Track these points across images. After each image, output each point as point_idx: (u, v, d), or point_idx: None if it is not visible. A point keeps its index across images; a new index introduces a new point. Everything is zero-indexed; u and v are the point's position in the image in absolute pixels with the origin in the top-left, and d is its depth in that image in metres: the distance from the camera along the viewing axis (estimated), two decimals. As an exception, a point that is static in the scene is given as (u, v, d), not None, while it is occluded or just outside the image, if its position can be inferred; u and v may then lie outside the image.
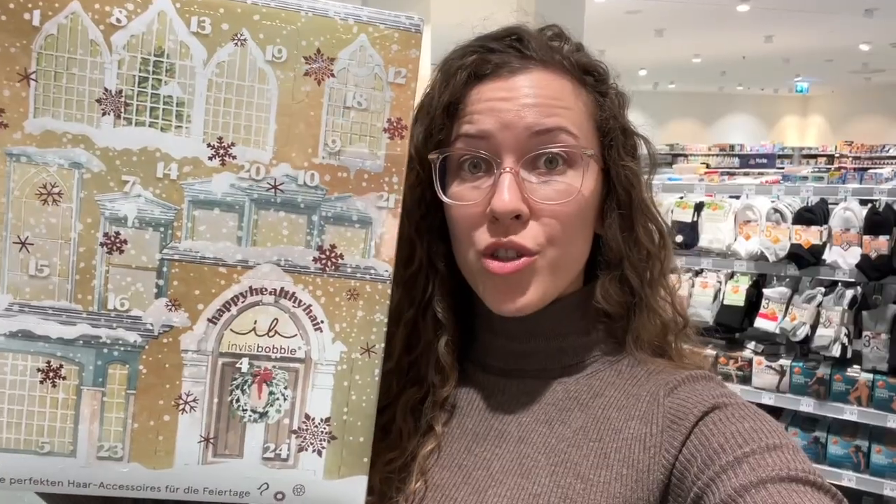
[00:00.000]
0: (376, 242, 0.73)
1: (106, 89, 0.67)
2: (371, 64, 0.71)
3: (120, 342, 0.69)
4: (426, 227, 0.85)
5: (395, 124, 0.72)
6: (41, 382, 0.69)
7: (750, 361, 3.45)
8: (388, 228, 0.73)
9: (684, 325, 0.89)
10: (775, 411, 3.46)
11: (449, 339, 0.85)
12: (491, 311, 0.82)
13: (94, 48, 0.67)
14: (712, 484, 0.67)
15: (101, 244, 0.68)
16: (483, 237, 0.78)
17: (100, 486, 0.70)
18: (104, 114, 0.67)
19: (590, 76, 0.84)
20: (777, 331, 3.34)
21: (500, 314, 0.81)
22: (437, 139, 0.81)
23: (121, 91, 0.67)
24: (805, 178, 5.79)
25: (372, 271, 0.73)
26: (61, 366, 0.69)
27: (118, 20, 0.67)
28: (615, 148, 0.83)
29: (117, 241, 0.68)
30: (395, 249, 0.74)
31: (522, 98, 0.78)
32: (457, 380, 0.87)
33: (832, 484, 0.67)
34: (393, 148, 0.72)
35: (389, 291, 0.74)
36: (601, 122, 0.83)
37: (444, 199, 0.81)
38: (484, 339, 0.88)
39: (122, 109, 0.67)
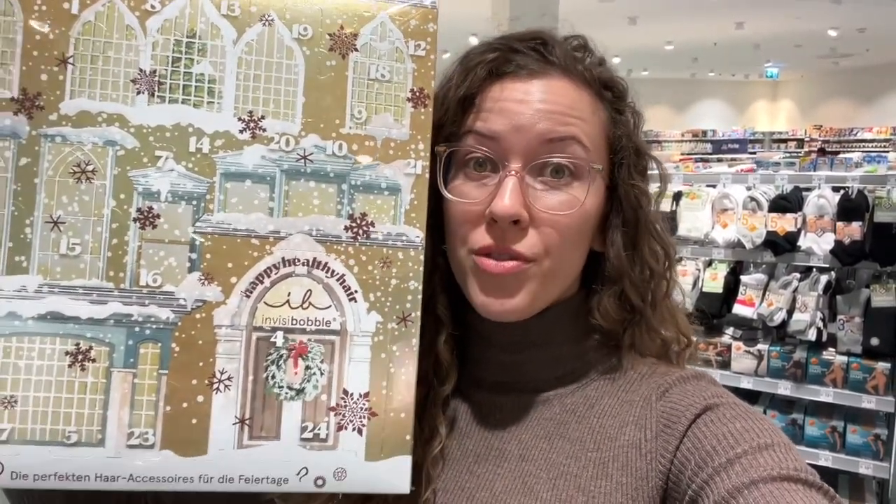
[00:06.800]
0: (406, 209, 0.73)
1: (140, 70, 0.69)
2: (392, 38, 0.73)
3: (152, 319, 0.68)
4: (432, 220, 0.81)
5: (417, 94, 0.74)
6: (69, 366, 0.67)
7: (729, 347, 3.52)
8: (416, 195, 0.73)
9: (687, 344, 0.88)
10: (754, 395, 3.59)
11: (448, 336, 0.84)
12: (484, 319, 0.80)
13: (130, 32, 0.69)
14: (706, 486, 0.67)
15: (135, 219, 0.69)
16: (479, 237, 0.77)
17: (129, 478, 0.67)
18: (139, 93, 0.69)
19: (609, 91, 0.83)
20: (754, 316, 3.44)
21: (486, 316, 0.79)
22: (449, 131, 0.80)
23: (155, 71, 0.69)
24: (777, 163, 5.87)
25: (403, 238, 0.73)
26: (91, 347, 0.67)
27: (153, 6, 0.70)
28: (625, 166, 0.82)
29: (150, 215, 0.69)
30: (426, 215, 0.74)
31: (538, 103, 0.77)
32: (455, 384, 0.84)
33: (809, 464, 0.68)
34: (417, 116, 0.74)
35: (422, 258, 0.73)
36: (614, 139, 0.82)
37: (445, 193, 0.79)
38: (476, 351, 0.86)
39: (156, 88, 0.69)
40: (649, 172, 0.87)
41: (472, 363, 0.87)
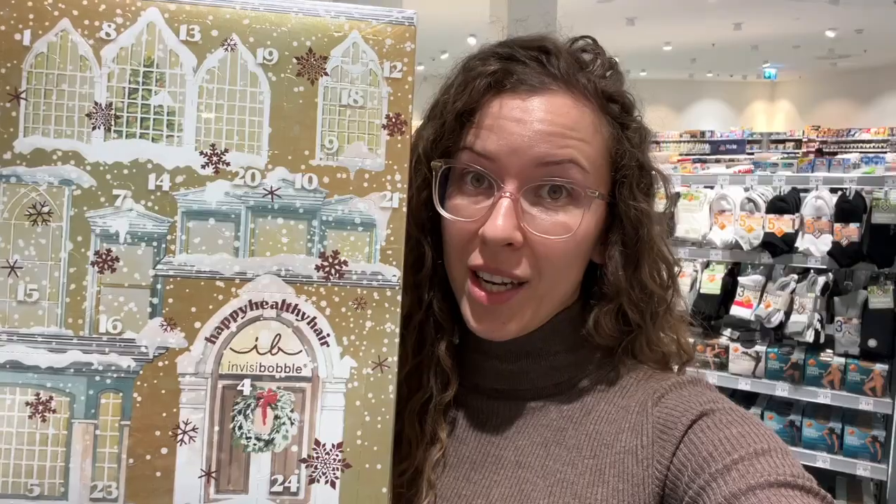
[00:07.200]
0: (382, 246, 0.69)
1: (96, 103, 0.66)
2: (365, 60, 0.69)
3: (113, 368, 0.65)
4: (432, 230, 0.81)
5: (393, 120, 0.69)
6: (30, 417, 0.64)
7: (726, 348, 3.49)
8: (393, 230, 0.69)
9: (687, 359, 0.88)
10: (751, 396, 3.56)
11: (449, 342, 0.83)
12: None
13: (84, 63, 0.66)
14: (703, 493, 0.66)
15: (93, 263, 0.65)
16: (472, 255, 0.76)
17: None
18: (94, 128, 0.65)
19: (614, 105, 0.80)
20: (752, 318, 3.40)
21: (481, 336, 0.79)
22: (446, 145, 0.78)
23: (111, 104, 0.66)
24: (775, 164, 5.87)
25: (379, 277, 0.69)
26: (51, 398, 0.64)
27: (107, 34, 0.66)
28: (627, 185, 0.79)
29: (109, 258, 0.65)
30: (404, 252, 0.70)
31: (537, 123, 0.74)
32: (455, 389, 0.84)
33: (806, 466, 0.67)
34: (393, 145, 0.69)
35: (399, 298, 0.69)
36: (617, 156, 0.79)
37: (442, 211, 0.78)
38: (474, 359, 0.85)
39: (113, 122, 0.66)
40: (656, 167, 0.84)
41: (471, 370, 0.86)
